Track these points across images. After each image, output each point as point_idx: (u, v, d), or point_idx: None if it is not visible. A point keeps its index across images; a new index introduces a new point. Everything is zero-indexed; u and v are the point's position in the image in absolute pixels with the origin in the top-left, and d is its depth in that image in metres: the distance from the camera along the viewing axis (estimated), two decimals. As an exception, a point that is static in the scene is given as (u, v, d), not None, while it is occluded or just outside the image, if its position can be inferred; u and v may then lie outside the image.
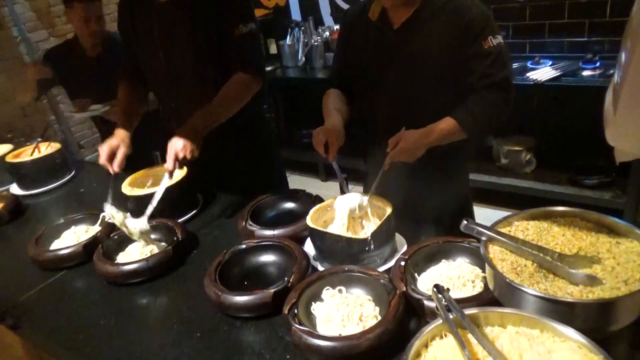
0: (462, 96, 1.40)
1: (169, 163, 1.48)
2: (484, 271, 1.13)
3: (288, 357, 1.03)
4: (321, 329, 1.06)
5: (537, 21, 2.82)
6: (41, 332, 1.25)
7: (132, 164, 1.73)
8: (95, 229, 1.59)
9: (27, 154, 2.11)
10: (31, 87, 1.99)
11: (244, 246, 1.34)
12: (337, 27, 3.55)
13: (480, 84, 1.36)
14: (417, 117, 1.40)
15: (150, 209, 1.48)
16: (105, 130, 2.15)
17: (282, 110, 3.86)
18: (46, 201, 2.01)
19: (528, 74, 2.62)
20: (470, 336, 0.78)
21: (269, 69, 3.69)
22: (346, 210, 1.30)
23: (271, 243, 1.33)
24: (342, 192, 1.39)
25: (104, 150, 1.61)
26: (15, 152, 2.15)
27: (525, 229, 1.03)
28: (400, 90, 1.47)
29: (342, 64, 1.63)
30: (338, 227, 1.32)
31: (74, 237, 1.58)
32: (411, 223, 1.40)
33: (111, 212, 1.47)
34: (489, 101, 1.37)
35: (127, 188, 1.66)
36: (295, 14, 3.85)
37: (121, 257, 1.44)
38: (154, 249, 1.44)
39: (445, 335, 0.81)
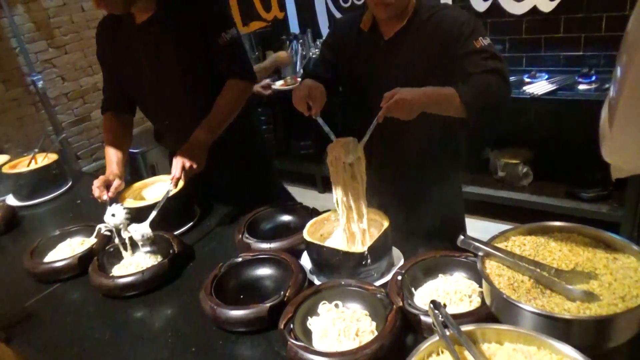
0: None
1: (177, 171, 1.52)
2: (481, 286, 1.12)
3: (284, 372, 1.02)
4: (317, 344, 1.05)
5: (533, 35, 2.85)
6: (34, 345, 1.23)
7: None
8: (91, 241, 1.58)
9: (24, 165, 2.11)
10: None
11: (240, 259, 1.33)
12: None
13: (478, 71, 1.34)
14: (410, 125, 1.41)
15: (153, 214, 1.49)
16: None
17: (280, 122, 3.88)
18: (42, 212, 2.00)
19: (524, 88, 2.64)
20: (467, 353, 0.78)
21: (267, 81, 3.69)
22: (337, 155, 1.24)
23: (267, 256, 1.33)
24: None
25: (96, 184, 1.58)
26: (12, 163, 2.14)
27: (522, 244, 1.03)
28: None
29: (323, 63, 1.61)
30: (332, 177, 1.28)
31: (69, 249, 1.57)
32: (407, 236, 1.40)
33: (112, 221, 1.46)
34: (489, 82, 1.33)
35: (126, 200, 1.65)
36: (294, 27, 3.89)
37: (116, 270, 1.43)
38: (149, 261, 1.43)
39: (442, 352, 0.80)
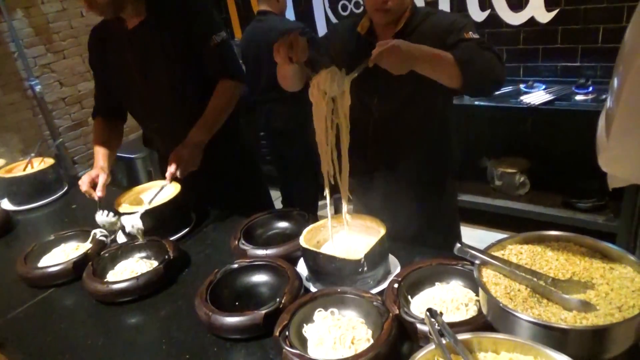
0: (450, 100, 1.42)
1: (172, 167, 1.57)
2: (477, 294, 1.12)
3: (278, 380, 1.01)
4: (312, 352, 1.04)
5: (531, 46, 2.87)
6: (27, 351, 1.22)
7: None
8: (86, 246, 1.57)
9: (20, 169, 2.10)
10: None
11: (236, 266, 1.32)
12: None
13: (471, 45, 1.32)
14: (406, 125, 1.41)
15: (145, 207, 1.54)
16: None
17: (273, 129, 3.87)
18: (37, 217, 1.99)
19: (522, 98, 2.65)
20: (463, 362, 0.77)
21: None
22: (319, 83, 1.17)
23: (263, 263, 1.32)
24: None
25: (84, 180, 1.66)
26: (8, 167, 2.13)
27: (519, 252, 1.03)
28: (388, 100, 1.49)
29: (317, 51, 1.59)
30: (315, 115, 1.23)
31: (63, 254, 1.55)
32: (403, 244, 1.40)
33: (103, 219, 1.53)
34: (484, 53, 1.30)
35: (122, 205, 1.65)
36: (292, 33, 3.90)
37: (111, 276, 1.42)
38: (144, 266, 1.42)
39: (438, 361, 0.80)
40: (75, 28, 3.22)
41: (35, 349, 1.22)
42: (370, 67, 1.21)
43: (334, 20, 3.64)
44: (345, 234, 1.42)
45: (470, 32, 1.35)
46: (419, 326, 1.02)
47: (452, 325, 0.93)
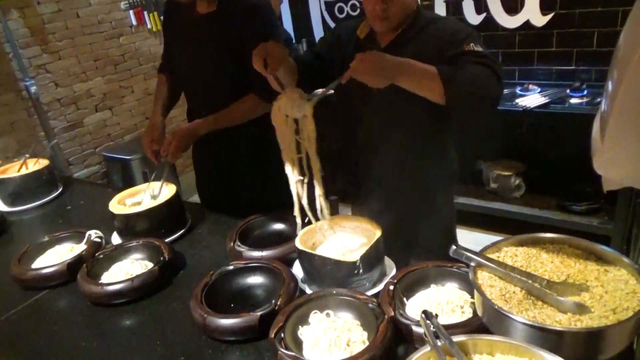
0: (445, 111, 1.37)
1: (162, 151, 1.76)
2: (472, 297, 1.12)
3: (273, 382, 1.01)
4: (308, 354, 1.04)
5: (526, 49, 2.88)
6: (20, 353, 1.21)
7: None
8: (81, 247, 1.55)
9: (14, 170, 2.08)
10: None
11: (231, 267, 1.32)
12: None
13: (467, 60, 1.26)
14: (401, 135, 1.40)
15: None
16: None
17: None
18: (31, 218, 1.97)
19: (517, 101, 2.67)
20: (458, 364, 0.77)
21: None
22: (281, 106, 1.16)
23: (259, 265, 1.32)
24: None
25: (146, 140, 1.85)
26: (2, 168, 2.12)
27: (514, 254, 1.03)
28: (385, 107, 1.47)
29: (314, 57, 1.58)
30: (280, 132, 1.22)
31: (57, 255, 1.54)
32: (398, 246, 1.40)
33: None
34: (477, 70, 1.24)
35: (115, 206, 1.64)
36: (289, 36, 3.91)
37: (106, 277, 1.41)
38: (139, 268, 1.41)
39: (434, 363, 0.80)
40: (71, 29, 3.20)
41: (29, 351, 1.21)
42: (343, 83, 1.19)
43: (330, 22, 3.65)
44: (341, 236, 1.42)
45: (471, 44, 1.29)
46: (414, 328, 1.02)
47: (447, 327, 0.93)
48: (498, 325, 0.88)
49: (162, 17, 2.07)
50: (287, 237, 1.48)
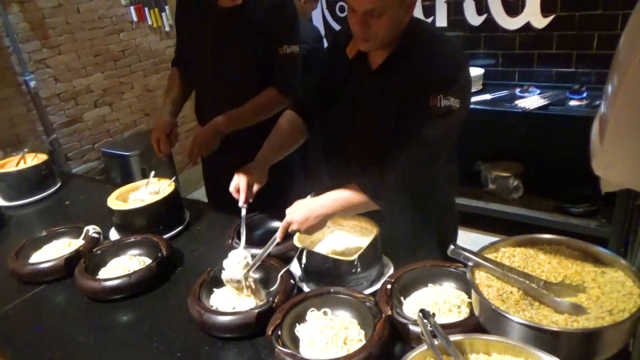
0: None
1: (187, 157, 1.68)
2: (470, 297, 1.12)
3: (270, 380, 1.01)
4: (304, 352, 1.04)
5: (526, 51, 2.89)
6: (16, 347, 1.21)
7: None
8: (78, 242, 1.55)
9: (13, 165, 2.08)
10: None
11: (228, 265, 1.32)
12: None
13: (406, 138, 1.24)
14: (384, 160, 1.30)
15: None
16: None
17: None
18: (29, 213, 1.97)
19: (516, 102, 2.67)
20: (455, 363, 0.78)
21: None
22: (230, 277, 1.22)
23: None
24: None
25: (157, 135, 1.77)
26: (1, 163, 2.11)
27: (512, 255, 1.03)
28: (372, 131, 1.36)
29: (316, 91, 1.52)
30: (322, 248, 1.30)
31: (55, 250, 1.54)
32: (397, 245, 1.40)
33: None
34: (403, 163, 1.23)
35: (113, 202, 1.64)
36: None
37: (103, 273, 1.41)
38: (136, 264, 1.41)
39: (430, 362, 0.80)
40: (71, 24, 3.19)
41: (25, 345, 1.21)
42: (279, 242, 1.26)
43: (331, 22, 3.64)
44: (340, 235, 1.42)
45: (439, 97, 1.17)
46: (411, 327, 1.02)
47: (444, 326, 0.93)
48: (495, 325, 0.88)
49: (174, 9, 1.98)
50: (286, 235, 1.48)
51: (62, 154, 3.18)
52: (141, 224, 1.58)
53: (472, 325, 0.97)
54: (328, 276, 1.23)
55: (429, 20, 3.10)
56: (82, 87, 3.31)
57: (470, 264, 0.98)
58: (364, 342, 1.04)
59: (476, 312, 0.96)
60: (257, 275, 1.25)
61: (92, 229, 1.58)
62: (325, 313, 1.13)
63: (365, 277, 1.24)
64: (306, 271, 1.28)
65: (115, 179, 3.31)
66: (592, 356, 0.83)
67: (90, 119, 3.40)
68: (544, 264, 1.00)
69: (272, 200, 1.54)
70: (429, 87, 1.19)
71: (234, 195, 1.39)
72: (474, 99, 2.64)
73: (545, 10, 2.72)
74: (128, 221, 1.60)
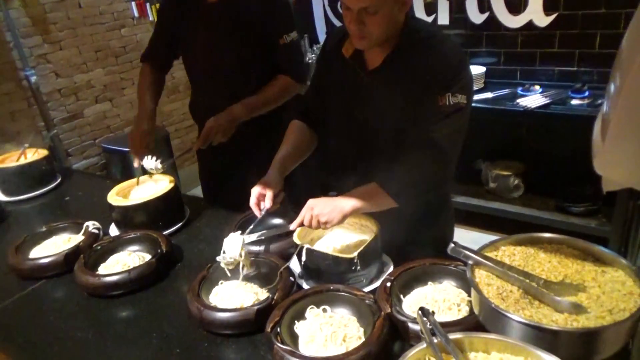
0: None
1: (200, 140, 1.66)
2: (469, 295, 1.12)
3: (269, 376, 1.01)
4: (303, 349, 1.04)
5: (528, 49, 2.87)
6: (15, 343, 1.21)
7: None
8: (78, 238, 1.55)
9: (13, 160, 2.08)
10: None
11: (229, 261, 1.32)
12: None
13: (415, 139, 1.24)
14: (383, 164, 1.30)
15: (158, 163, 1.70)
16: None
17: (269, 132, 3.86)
18: (29, 208, 1.97)
19: (518, 101, 2.66)
20: (454, 361, 0.77)
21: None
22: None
23: (257, 259, 1.31)
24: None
25: (134, 141, 1.76)
26: (1, 158, 2.11)
27: (512, 254, 1.03)
28: (370, 134, 1.36)
29: (315, 95, 1.52)
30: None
31: (55, 246, 1.53)
32: (396, 244, 1.39)
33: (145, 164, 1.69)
34: (418, 164, 1.24)
35: (113, 198, 1.64)
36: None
37: (103, 269, 1.41)
38: (136, 260, 1.41)
39: (429, 360, 0.80)
40: (73, 19, 3.19)
41: (24, 341, 1.21)
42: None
43: (333, 19, 3.63)
44: (339, 233, 1.42)
45: (447, 95, 1.19)
46: (411, 325, 1.02)
47: (444, 324, 0.93)
48: (494, 324, 0.88)
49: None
50: (286, 232, 1.48)
51: (62, 150, 3.18)
52: (141, 220, 1.58)
53: (472, 323, 0.97)
54: (328, 273, 1.23)
55: (431, 18, 3.09)
56: (83, 83, 3.31)
57: (470, 262, 0.98)
58: (363, 339, 1.04)
59: (476, 310, 0.96)
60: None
61: (92, 225, 1.58)
62: (324, 310, 1.13)
63: (365, 275, 1.24)
64: (306, 268, 1.28)
65: (115, 175, 3.31)
66: (591, 355, 0.83)
67: (91, 115, 3.40)
68: (544, 263, 1.00)
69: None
70: (435, 86, 1.20)
71: (254, 209, 1.35)
72: (475, 97, 2.62)
73: (547, 9, 2.71)
74: (128, 217, 1.60)
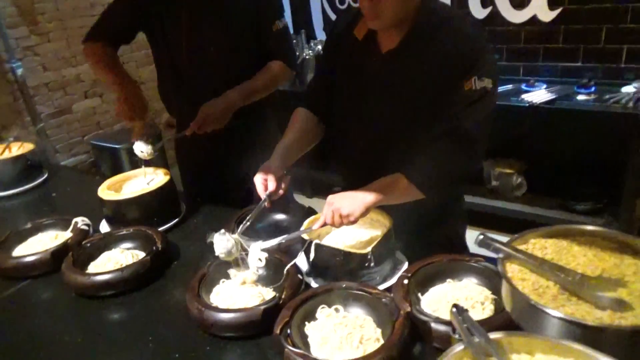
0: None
1: (195, 125, 1.57)
2: (493, 292, 1.05)
3: (278, 383, 0.92)
4: (316, 352, 0.95)
5: (532, 45, 2.81)
6: (-3, 347, 1.11)
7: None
8: (66, 235, 1.46)
9: (-3, 154, 1.97)
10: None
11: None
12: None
13: (443, 128, 1.16)
14: (398, 154, 1.23)
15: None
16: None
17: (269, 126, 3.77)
18: (14, 204, 1.86)
19: (523, 96, 2.60)
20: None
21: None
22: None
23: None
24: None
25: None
26: (-16, 152, 2.00)
27: (543, 247, 0.95)
28: (382, 121, 1.27)
29: (321, 82, 1.44)
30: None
31: (41, 243, 1.44)
32: (407, 240, 1.31)
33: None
34: (447, 154, 1.16)
35: (104, 192, 1.54)
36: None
37: (93, 267, 1.32)
38: (129, 258, 1.31)
39: (467, 364, 0.71)
40: (62, 10, 3.07)
41: (7, 345, 1.11)
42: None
43: (330, 13, 3.55)
44: (349, 227, 1.33)
45: (473, 80, 1.11)
46: (434, 325, 0.93)
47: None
48: (532, 322, 0.79)
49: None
50: (289, 228, 1.39)
51: (50, 146, 3.06)
52: (134, 216, 1.49)
53: (501, 322, 0.89)
54: (338, 271, 1.14)
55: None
56: (71, 77, 3.19)
57: (500, 255, 0.90)
58: (381, 341, 0.95)
59: (507, 307, 0.87)
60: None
61: (81, 221, 1.49)
62: (337, 310, 1.04)
63: (379, 272, 1.15)
64: (314, 265, 1.19)
65: (105, 173, 3.20)
66: (637, 356, 0.75)
67: (80, 110, 3.29)
68: (578, 257, 0.92)
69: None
70: (460, 70, 1.12)
71: (262, 195, 1.24)
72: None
73: (552, 3, 2.65)
74: (120, 213, 1.50)
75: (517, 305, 0.83)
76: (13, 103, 2.90)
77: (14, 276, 1.33)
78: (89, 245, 1.37)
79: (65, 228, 1.49)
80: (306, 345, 0.97)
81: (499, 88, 2.76)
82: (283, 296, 1.07)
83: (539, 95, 2.56)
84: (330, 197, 1.15)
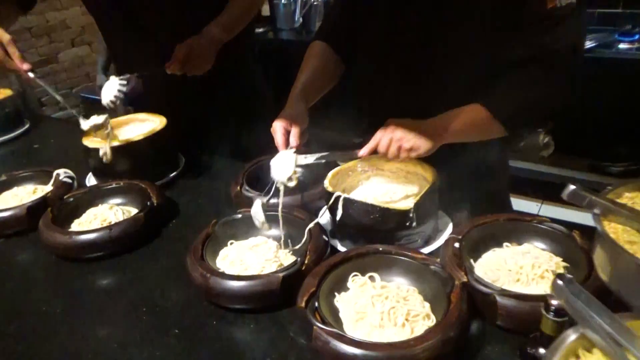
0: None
1: (175, 63, 1.32)
2: (564, 260, 0.86)
3: (305, 367, 0.75)
4: (350, 330, 0.76)
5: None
6: (-40, 318, 0.95)
7: None
8: (46, 189, 1.28)
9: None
10: None
11: (239, 216, 1.04)
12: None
13: (526, 55, 0.97)
14: (438, 96, 1.05)
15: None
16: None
17: (273, 80, 3.52)
18: (-11, 156, 1.67)
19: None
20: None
21: (259, 30, 3.34)
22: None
23: (275, 213, 1.02)
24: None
25: None
26: (-44, 98, 1.79)
27: (644, 202, 0.75)
28: (421, 57, 1.07)
29: (342, 11, 1.24)
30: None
31: (16, 198, 1.27)
32: (450, 198, 1.11)
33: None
34: (535, 83, 0.98)
35: (90, 139, 1.33)
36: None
37: (76, 225, 1.15)
38: (119, 214, 1.12)
39: (584, 355, 0.51)
40: (44, -55, 2.79)
41: (-27, 316, 0.95)
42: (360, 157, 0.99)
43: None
44: (378, 182, 1.13)
45: None
46: (500, 299, 0.74)
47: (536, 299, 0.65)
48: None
49: None
50: (305, 182, 1.19)
51: (34, 97, 2.83)
52: (125, 168, 1.30)
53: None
54: (371, 232, 0.94)
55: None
56: (56, 22, 2.94)
57: (596, 211, 0.70)
58: (432, 318, 0.76)
59: (604, 276, 0.68)
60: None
61: (63, 173, 1.32)
62: (372, 279, 0.85)
63: (420, 233, 0.96)
64: (342, 225, 0.99)
65: (97, 129, 2.99)
66: None
67: (67, 60, 3.05)
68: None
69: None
70: None
71: (281, 149, 1.04)
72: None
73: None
74: (108, 164, 1.29)
75: (625, 272, 0.64)
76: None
77: (-16, 235, 1.16)
78: (71, 199, 1.20)
79: (45, 182, 1.31)
80: (338, 322, 0.78)
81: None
82: (306, 261, 0.88)
83: (576, 42, 2.32)
84: (391, 122, 0.95)
